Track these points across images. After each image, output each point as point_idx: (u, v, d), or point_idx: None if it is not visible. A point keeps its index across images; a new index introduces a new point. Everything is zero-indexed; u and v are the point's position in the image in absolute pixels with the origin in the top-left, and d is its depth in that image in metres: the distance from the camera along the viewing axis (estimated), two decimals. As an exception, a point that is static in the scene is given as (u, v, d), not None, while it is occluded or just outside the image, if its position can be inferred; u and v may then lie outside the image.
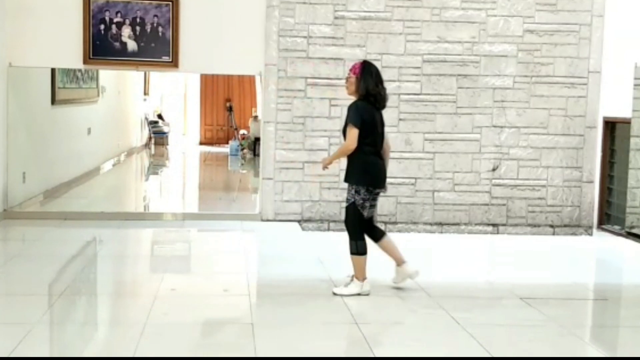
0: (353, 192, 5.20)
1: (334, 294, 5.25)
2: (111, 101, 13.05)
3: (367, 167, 5.17)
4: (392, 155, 6.44)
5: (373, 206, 5.30)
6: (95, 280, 5.85)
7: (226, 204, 9.93)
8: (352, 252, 5.25)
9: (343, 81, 7.73)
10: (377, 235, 5.37)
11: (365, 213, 5.22)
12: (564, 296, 5.59)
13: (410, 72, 7.86)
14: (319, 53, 7.83)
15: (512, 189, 8.06)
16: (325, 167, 5.47)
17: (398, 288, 5.42)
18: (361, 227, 5.24)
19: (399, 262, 5.37)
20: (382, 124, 5.28)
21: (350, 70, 5.28)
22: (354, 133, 5.08)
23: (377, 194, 5.28)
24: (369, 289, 5.26)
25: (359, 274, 5.25)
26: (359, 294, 5.22)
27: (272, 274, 5.90)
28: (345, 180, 5.26)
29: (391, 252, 5.38)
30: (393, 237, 5.54)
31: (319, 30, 7.83)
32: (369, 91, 5.15)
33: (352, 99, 5.27)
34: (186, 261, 6.72)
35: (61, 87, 9.57)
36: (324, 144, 7.89)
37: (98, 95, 11.80)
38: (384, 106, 5.27)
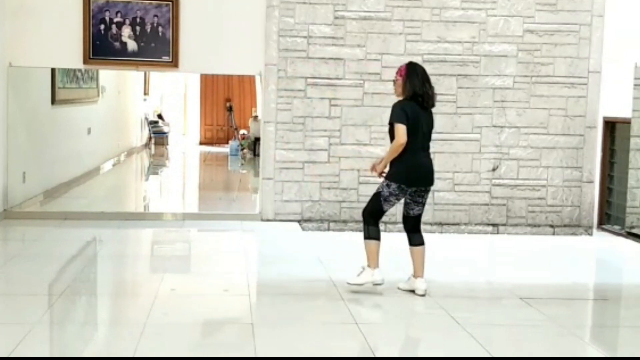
0: (385, 184, 5.25)
1: (348, 283, 5.28)
2: (111, 101, 13.05)
3: (402, 165, 5.19)
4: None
5: (418, 203, 5.32)
6: (95, 280, 5.84)
7: (226, 204, 9.93)
8: (365, 237, 5.30)
9: (343, 81, 7.84)
10: (415, 242, 5.39)
11: (386, 207, 5.27)
12: (564, 296, 5.59)
13: (410, 72, 7.85)
14: (319, 53, 7.83)
15: (512, 189, 8.06)
16: (380, 174, 5.36)
17: (394, 289, 5.40)
18: (375, 215, 5.29)
19: (416, 275, 5.35)
20: (430, 125, 5.32)
21: (397, 72, 5.34)
22: (401, 129, 5.12)
23: (418, 193, 5.27)
24: (381, 278, 5.23)
25: (371, 261, 5.26)
26: (372, 283, 5.22)
27: (272, 274, 5.90)
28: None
29: (416, 261, 5.36)
30: (419, 249, 5.44)
31: (319, 30, 7.83)
32: (415, 91, 5.21)
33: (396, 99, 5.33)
34: (186, 261, 6.72)
35: (61, 87, 9.57)
36: (324, 144, 7.89)
37: (98, 95, 11.80)
38: (432, 105, 5.31)
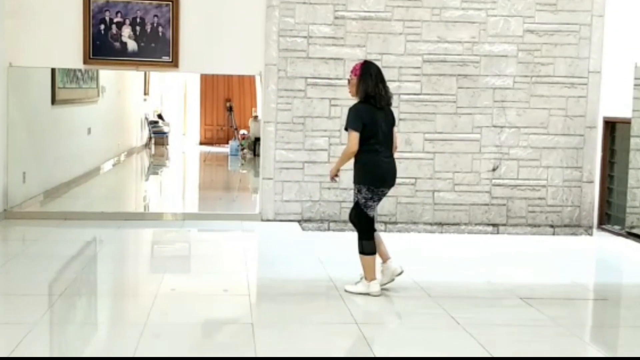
0: (356, 191, 5.23)
1: (345, 290, 5.28)
2: (111, 101, 13.05)
3: (367, 167, 5.17)
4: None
5: (375, 206, 5.29)
6: (95, 280, 5.84)
7: (226, 204, 9.93)
8: (359, 252, 5.26)
9: (343, 81, 7.83)
10: None
11: (370, 212, 5.21)
12: (564, 296, 5.59)
13: (410, 72, 7.87)
14: (319, 53, 7.83)
15: (512, 189, 8.06)
16: (333, 178, 5.39)
17: (394, 289, 5.40)
18: (367, 227, 5.23)
19: (384, 259, 5.34)
20: (389, 122, 5.25)
21: (352, 71, 5.27)
22: (354, 137, 5.09)
23: (382, 193, 5.27)
24: (377, 289, 5.21)
25: (367, 274, 5.23)
26: (367, 294, 5.20)
27: (272, 274, 5.90)
28: (353, 180, 5.28)
29: (379, 247, 5.34)
30: (384, 235, 5.44)
31: (319, 30, 7.83)
32: (368, 93, 5.14)
33: (355, 100, 5.27)
34: (186, 261, 6.71)
35: (61, 87, 9.57)
36: (324, 144, 7.90)
37: (98, 95, 11.80)
38: (387, 103, 5.23)
